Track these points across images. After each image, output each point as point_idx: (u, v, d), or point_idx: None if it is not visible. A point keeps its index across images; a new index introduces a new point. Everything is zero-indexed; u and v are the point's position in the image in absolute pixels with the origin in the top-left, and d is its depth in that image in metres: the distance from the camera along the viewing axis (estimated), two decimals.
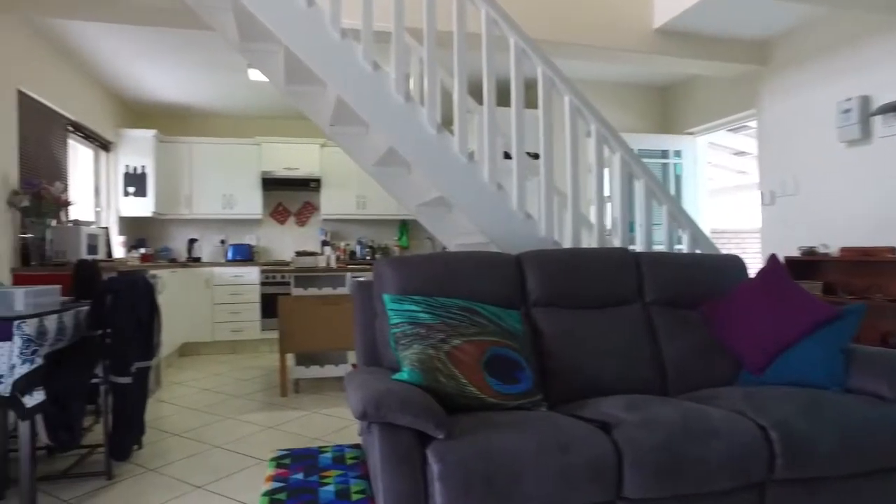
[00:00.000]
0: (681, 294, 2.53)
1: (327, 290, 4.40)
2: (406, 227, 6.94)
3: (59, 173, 4.42)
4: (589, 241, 3.05)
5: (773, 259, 2.54)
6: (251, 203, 6.26)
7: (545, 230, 2.83)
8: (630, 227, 3.05)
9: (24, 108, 3.93)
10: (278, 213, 6.68)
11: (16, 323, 2.17)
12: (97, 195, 5.46)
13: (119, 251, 5.44)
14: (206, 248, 6.44)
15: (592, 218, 3.06)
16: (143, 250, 5.72)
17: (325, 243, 6.58)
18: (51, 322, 2.38)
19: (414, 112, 2.60)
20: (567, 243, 2.94)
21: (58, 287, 2.59)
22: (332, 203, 6.46)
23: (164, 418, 3.60)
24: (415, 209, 3.31)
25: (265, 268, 5.96)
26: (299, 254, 4.40)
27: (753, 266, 2.93)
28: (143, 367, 2.98)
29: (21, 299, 2.33)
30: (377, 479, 1.64)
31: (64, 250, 3.92)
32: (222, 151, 6.17)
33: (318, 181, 6.35)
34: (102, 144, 5.43)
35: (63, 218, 4.20)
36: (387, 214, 6.61)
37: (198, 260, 6.16)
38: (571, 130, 2.84)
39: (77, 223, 4.32)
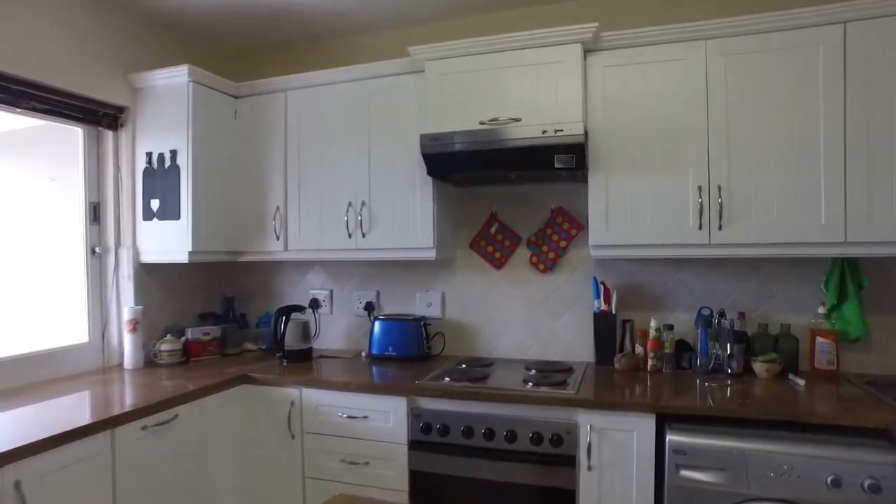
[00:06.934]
0: None
1: None
2: (855, 269, 2.13)
3: None
4: None
5: None
6: (409, 220, 2.45)
7: None
8: None
9: None
10: (486, 240, 2.71)
11: None
12: (96, 220, 2.64)
13: (131, 357, 2.50)
14: (330, 327, 2.98)
15: None
16: (208, 333, 2.65)
17: (605, 327, 2.40)
18: None
19: None
20: None
21: None
22: (614, 208, 2.17)
23: None
24: None
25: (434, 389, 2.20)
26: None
27: None
28: None
29: None
30: None
31: None
32: (341, 97, 2.56)
33: (578, 149, 2.07)
34: (103, 116, 2.56)
35: None
36: (805, 240, 1.97)
37: (302, 355, 2.70)
38: None
39: None
